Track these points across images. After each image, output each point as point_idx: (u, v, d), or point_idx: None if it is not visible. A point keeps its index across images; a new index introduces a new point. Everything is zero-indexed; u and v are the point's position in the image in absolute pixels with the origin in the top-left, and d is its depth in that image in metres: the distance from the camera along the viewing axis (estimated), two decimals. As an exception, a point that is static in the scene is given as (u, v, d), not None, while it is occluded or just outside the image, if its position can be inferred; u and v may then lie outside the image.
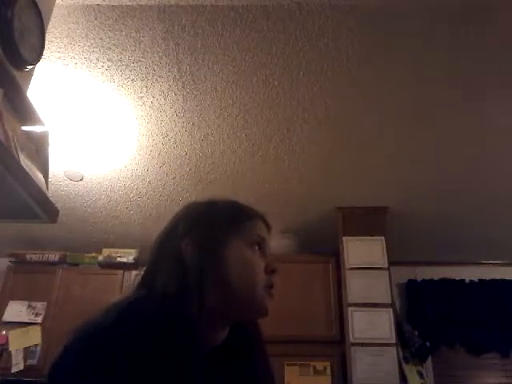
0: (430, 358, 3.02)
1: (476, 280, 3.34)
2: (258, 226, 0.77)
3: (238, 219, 0.76)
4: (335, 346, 2.74)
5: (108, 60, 1.88)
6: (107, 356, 0.53)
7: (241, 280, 0.71)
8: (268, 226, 0.79)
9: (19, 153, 1.05)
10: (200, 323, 0.64)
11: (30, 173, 1.08)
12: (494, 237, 3.13)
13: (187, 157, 2.47)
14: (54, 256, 3.23)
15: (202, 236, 0.72)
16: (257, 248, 0.75)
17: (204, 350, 0.68)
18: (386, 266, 2.75)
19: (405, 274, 3.33)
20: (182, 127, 2.26)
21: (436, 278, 3.34)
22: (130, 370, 0.52)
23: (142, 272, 0.75)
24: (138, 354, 0.53)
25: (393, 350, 2.55)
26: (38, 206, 1.12)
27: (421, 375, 2.76)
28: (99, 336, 0.55)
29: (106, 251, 3.23)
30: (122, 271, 3.15)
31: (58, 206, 1.25)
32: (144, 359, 0.53)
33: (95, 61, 1.88)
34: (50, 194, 1.22)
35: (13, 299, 3.07)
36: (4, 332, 2.94)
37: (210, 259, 0.70)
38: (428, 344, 2.89)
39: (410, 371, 2.69)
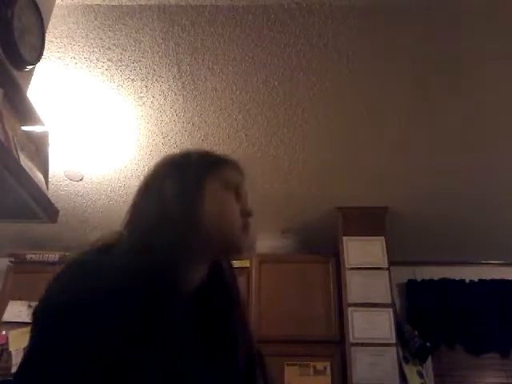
0: (429, 358, 3.02)
1: (476, 280, 3.33)
2: (231, 172, 0.82)
3: (212, 165, 0.81)
4: (335, 346, 2.74)
5: (108, 60, 1.88)
6: (90, 312, 0.59)
7: (218, 220, 0.75)
8: (241, 172, 0.84)
9: (19, 153, 1.05)
10: (182, 261, 0.70)
11: (30, 173, 1.08)
12: (494, 237, 3.13)
13: (187, 157, 2.46)
14: (54, 256, 3.22)
15: (180, 180, 0.76)
16: (232, 192, 0.79)
17: (185, 288, 0.73)
18: (386, 265, 2.74)
19: (405, 274, 3.33)
20: (182, 127, 2.26)
21: (436, 277, 3.34)
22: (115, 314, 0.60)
23: (126, 216, 0.78)
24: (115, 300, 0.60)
25: (393, 350, 2.54)
26: (38, 206, 1.12)
27: (421, 375, 2.76)
28: (76, 292, 0.61)
29: (105, 251, 3.23)
30: (121, 271, 3.15)
31: (58, 206, 1.25)
32: (122, 301, 0.60)
33: (95, 61, 1.88)
34: (49, 194, 1.22)
35: (13, 299, 3.06)
36: (4, 332, 2.93)
37: (189, 200, 0.74)
38: (428, 344, 2.89)
39: (410, 371, 2.69)
